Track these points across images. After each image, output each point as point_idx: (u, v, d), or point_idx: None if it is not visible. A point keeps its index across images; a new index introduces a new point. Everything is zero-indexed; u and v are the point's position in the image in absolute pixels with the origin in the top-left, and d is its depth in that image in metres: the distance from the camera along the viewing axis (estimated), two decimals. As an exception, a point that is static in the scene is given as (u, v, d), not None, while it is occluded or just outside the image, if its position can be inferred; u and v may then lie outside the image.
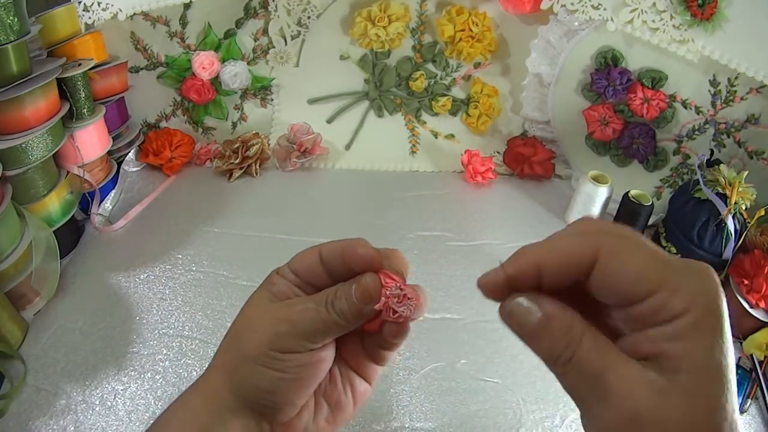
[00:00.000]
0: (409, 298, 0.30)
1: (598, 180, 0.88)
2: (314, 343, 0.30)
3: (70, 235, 0.80)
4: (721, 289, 0.23)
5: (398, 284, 0.30)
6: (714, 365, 0.22)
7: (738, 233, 0.77)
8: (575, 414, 0.62)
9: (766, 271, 0.71)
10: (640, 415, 0.22)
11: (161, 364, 0.64)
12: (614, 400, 0.23)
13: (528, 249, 0.27)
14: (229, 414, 0.31)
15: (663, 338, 0.23)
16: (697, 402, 0.22)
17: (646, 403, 0.22)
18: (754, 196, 0.76)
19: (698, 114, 0.89)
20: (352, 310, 0.30)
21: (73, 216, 0.79)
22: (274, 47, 0.98)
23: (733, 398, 0.23)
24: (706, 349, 0.22)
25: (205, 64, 0.94)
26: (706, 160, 0.83)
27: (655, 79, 0.89)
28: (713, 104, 0.87)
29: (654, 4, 0.82)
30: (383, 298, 0.30)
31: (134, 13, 0.86)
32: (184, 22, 0.93)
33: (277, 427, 0.32)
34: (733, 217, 0.77)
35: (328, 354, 0.32)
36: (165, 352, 0.66)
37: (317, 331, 0.30)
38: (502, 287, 0.28)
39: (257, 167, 0.99)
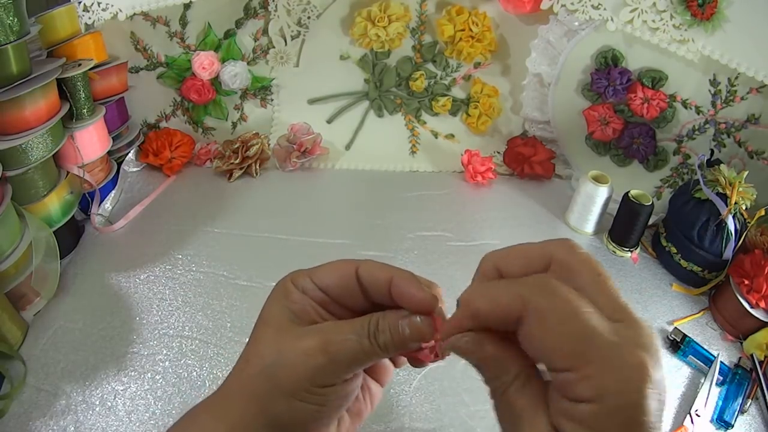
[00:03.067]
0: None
1: (598, 180, 0.88)
2: (352, 373, 0.30)
3: (70, 235, 0.80)
4: (647, 391, 0.21)
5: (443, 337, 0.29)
6: None
7: (738, 233, 0.77)
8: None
9: (766, 271, 0.71)
10: None
11: (161, 364, 0.64)
12: None
13: (471, 295, 0.27)
14: None
15: (565, 414, 0.23)
16: None
17: None
18: (754, 196, 0.76)
19: (698, 114, 0.89)
20: (397, 344, 0.29)
21: (73, 216, 0.79)
22: (274, 47, 0.98)
23: None
24: None
25: (205, 64, 0.94)
26: (707, 160, 0.83)
27: (655, 79, 0.89)
28: (713, 104, 0.87)
29: (654, 4, 0.82)
30: (432, 342, 0.29)
31: (134, 14, 0.85)
32: (184, 22, 0.93)
33: None
34: (734, 217, 0.77)
35: (359, 378, 0.32)
36: (165, 352, 0.66)
37: (356, 364, 0.29)
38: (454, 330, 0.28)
39: (257, 167, 0.99)
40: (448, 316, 0.29)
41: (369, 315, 0.30)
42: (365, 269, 0.31)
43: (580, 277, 0.25)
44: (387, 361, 0.34)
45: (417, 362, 0.32)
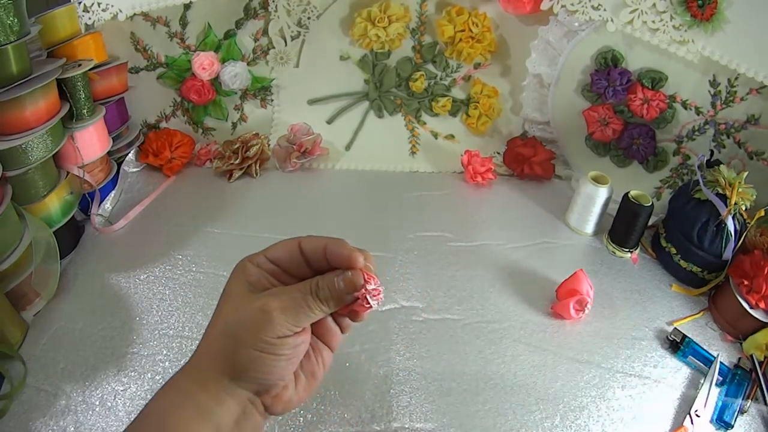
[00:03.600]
0: (379, 293, 0.37)
1: (598, 180, 0.88)
2: (301, 327, 0.35)
3: (70, 235, 0.80)
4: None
5: (376, 282, 0.36)
6: None
7: (738, 234, 0.77)
8: (575, 414, 0.62)
9: (766, 272, 0.71)
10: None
11: (161, 364, 0.64)
12: None
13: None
14: (226, 395, 0.35)
15: None
16: None
17: None
18: (754, 196, 0.76)
19: (698, 114, 0.89)
20: (335, 298, 0.36)
21: (73, 216, 0.79)
22: (274, 48, 0.98)
23: None
24: None
25: (205, 64, 0.94)
26: (706, 161, 0.84)
27: (655, 80, 0.89)
28: (713, 105, 0.87)
29: (654, 4, 0.82)
30: (363, 291, 0.36)
31: (134, 14, 0.86)
32: (184, 22, 0.93)
33: (268, 400, 0.36)
34: (733, 218, 0.77)
35: (308, 334, 0.37)
36: (165, 352, 0.66)
37: (305, 316, 0.35)
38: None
39: (257, 168, 0.99)
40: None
41: (311, 278, 0.37)
42: (306, 241, 0.38)
43: None
44: (334, 326, 0.40)
45: (354, 315, 0.38)
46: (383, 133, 1.07)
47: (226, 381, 0.35)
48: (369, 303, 0.36)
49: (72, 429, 0.57)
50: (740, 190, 0.76)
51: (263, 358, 0.34)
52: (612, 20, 0.85)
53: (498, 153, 1.07)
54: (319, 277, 0.36)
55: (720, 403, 0.64)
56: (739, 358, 0.71)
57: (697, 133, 0.91)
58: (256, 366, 0.34)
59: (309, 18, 0.95)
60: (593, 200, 0.88)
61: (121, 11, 0.83)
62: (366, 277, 0.36)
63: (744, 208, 0.77)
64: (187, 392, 0.35)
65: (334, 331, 0.40)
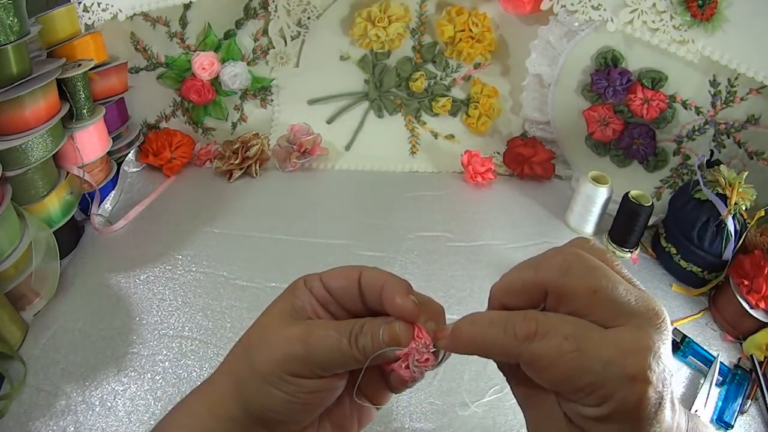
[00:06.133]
0: (427, 360, 0.30)
1: (598, 180, 0.88)
2: (326, 372, 0.30)
3: (70, 235, 0.80)
4: (647, 386, 0.25)
5: (426, 344, 0.30)
6: None
7: (738, 234, 0.77)
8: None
9: (766, 272, 0.71)
10: None
11: (161, 364, 0.64)
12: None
13: (462, 336, 0.29)
14: (234, 424, 0.30)
15: (577, 413, 0.26)
16: None
17: None
18: (754, 196, 0.76)
19: (698, 114, 0.89)
20: (374, 349, 0.29)
21: (73, 216, 0.79)
22: (274, 48, 0.98)
23: None
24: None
25: (205, 64, 0.94)
26: (706, 161, 0.84)
27: (655, 80, 0.89)
28: (713, 105, 0.87)
29: (654, 4, 0.82)
30: (408, 349, 0.30)
31: (134, 14, 0.85)
32: (184, 22, 0.93)
33: None
34: (733, 218, 0.77)
35: (341, 383, 0.31)
36: (165, 352, 0.66)
37: (332, 362, 0.30)
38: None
39: (257, 168, 0.99)
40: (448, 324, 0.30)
41: (360, 318, 0.31)
42: (367, 273, 0.32)
43: (574, 301, 0.27)
44: (384, 385, 0.34)
45: (395, 378, 0.32)
46: (383, 133, 1.07)
47: (236, 409, 0.30)
48: (410, 370, 0.30)
49: (72, 429, 0.57)
50: (740, 190, 0.76)
51: (274, 397, 0.29)
52: (612, 20, 0.85)
53: (498, 153, 1.07)
54: (368, 319, 0.31)
55: (720, 403, 0.64)
56: (739, 358, 0.71)
57: (697, 133, 0.91)
58: (266, 402, 0.30)
59: (309, 18, 0.95)
60: (593, 200, 0.88)
61: (121, 11, 0.83)
62: (417, 334, 0.30)
63: (744, 208, 0.77)
64: (198, 415, 0.31)
65: (384, 392, 0.33)
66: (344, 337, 0.29)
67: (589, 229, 0.91)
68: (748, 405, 0.65)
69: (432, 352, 0.30)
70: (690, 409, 0.63)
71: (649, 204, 0.83)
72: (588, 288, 0.26)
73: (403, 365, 0.30)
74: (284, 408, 0.30)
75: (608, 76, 0.91)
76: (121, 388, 0.61)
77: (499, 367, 0.31)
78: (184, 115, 1.02)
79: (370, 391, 0.33)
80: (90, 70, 0.79)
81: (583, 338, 0.25)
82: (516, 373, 0.29)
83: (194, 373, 0.63)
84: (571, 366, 0.25)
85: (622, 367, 0.24)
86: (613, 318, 0.26)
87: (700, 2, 0.78)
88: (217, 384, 0.32)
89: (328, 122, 1.06)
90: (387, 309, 0.30)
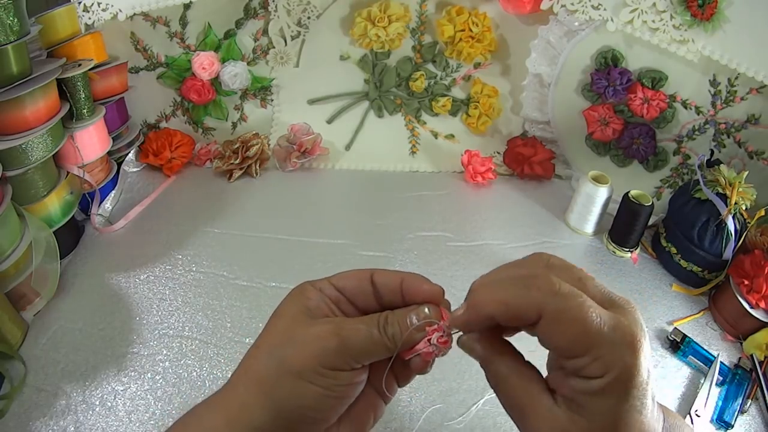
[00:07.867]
0: (446, 342, 0.33)
1: (598, 180, 0.88)
2: (360, 363, 0.31)
3: (70, 235, 0.80)
4: (641, 357, 0.27)
5: (449, 325, 0.33)
6: (611, 419, 0.27)
7: (738, 233, 0.77)
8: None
9: (766, 272, 0.71)
10: None
11: (161, 364, 0.64)
12: (528, 428, 0.30)
13: (482, 298, 0.31)
14: None
15: (578, 389, 0.28)
16: None
17: None
18: (754, 196, 0.76)
19: (698, 114, 0.89)
20: (404, 335, 0.32)
21: (73, 216, 0.79)
22: (274, 47, 0.98)
23: None
24: (610, 406, 0.27)
25: (205, 64, 0.94)
26: (707, 161, 0.84)
27: (655, 80, 0.89)
28: (713, 104, 0.87)
29: (654, 4, 0.82)
30: (438, 325, 0.33)
31: (134, 14, 0.85)
32: (184, 22, 0.93)
33: None
34: (733, 218, 0.77)
35: (365, 376, 0.33)
36: (165, 352, 0.66)
37: (366, 352, 0.31)
38: (463, 326, 0.33)
39: (257, 168, 0.99)
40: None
41: (379, 312, 0.33)
42: (379, 274, 0.35)
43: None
44: (393, 378, 0.36)
45: (417, 362, 0.34)
46: (383, 132, 1.07)
47: (262, 415, 0.30)
48: (432, 348, 0.33)
49: (72, 429, 0.57)
50: (740, 189, 0.76)
51: (311, 392, 0.30)
52: (612, 20, 0.85)
53: (498, 153, 1.07)
54: (389, 311, 0.33)
55: (720, 403, 0.64)
56: (739, 358, 0.71)
57: (697, 132, 0.91)
58: (302, 400, 0.30)
59: (309, 18, 0.95)
60: (593, 200, 0.88)
61: (121, 11, 0.83)
62: (444, 315, 0.33)
63: (744, 208, 0.77)
64: (213, 428, 0.31)
65: (391, 380, 0.36)
66: (374, 328, 0.32)
67: (589, 228, 0.91)
68: (748, 405, 0.65)
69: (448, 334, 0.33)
70: (690, 409, 0.63)
71: (649, 204, 0.83)
72: (572, 277, 0.30)
73: (424, 348, 0.33)
74: (319, 404, 0.31)
75: (608, 76, 0.91)
76: (122, 388, 0.61)
77: (488, 379, 0.33)
78: (184, 115, 1.02)
79: (380, 385, 0.35)
80: (90, 70, 0.79)
81: (594, 304, 0.28)
82: (507, 381, 0.31)
83: (194, 373, 0.64)
84: (591, 321, 0.27)
85: (623, 335, 0.27)
86: (603, 302, 0.30)
87: (700, 2, 0.78)
88: (237, 393, 0.31)
89: (328, 122, 1.06)
90: (413, 297, 0.34)
